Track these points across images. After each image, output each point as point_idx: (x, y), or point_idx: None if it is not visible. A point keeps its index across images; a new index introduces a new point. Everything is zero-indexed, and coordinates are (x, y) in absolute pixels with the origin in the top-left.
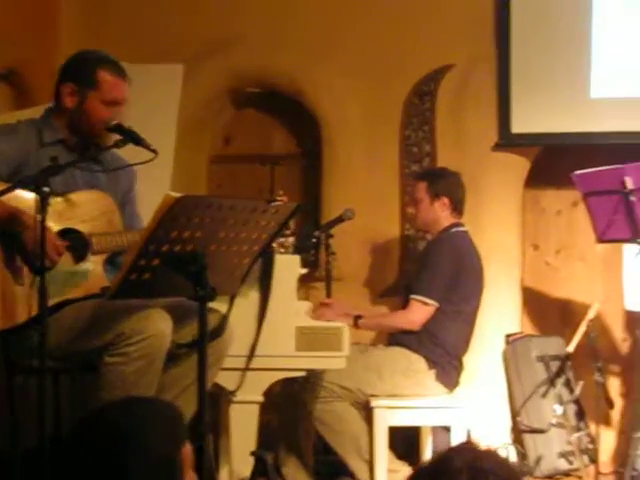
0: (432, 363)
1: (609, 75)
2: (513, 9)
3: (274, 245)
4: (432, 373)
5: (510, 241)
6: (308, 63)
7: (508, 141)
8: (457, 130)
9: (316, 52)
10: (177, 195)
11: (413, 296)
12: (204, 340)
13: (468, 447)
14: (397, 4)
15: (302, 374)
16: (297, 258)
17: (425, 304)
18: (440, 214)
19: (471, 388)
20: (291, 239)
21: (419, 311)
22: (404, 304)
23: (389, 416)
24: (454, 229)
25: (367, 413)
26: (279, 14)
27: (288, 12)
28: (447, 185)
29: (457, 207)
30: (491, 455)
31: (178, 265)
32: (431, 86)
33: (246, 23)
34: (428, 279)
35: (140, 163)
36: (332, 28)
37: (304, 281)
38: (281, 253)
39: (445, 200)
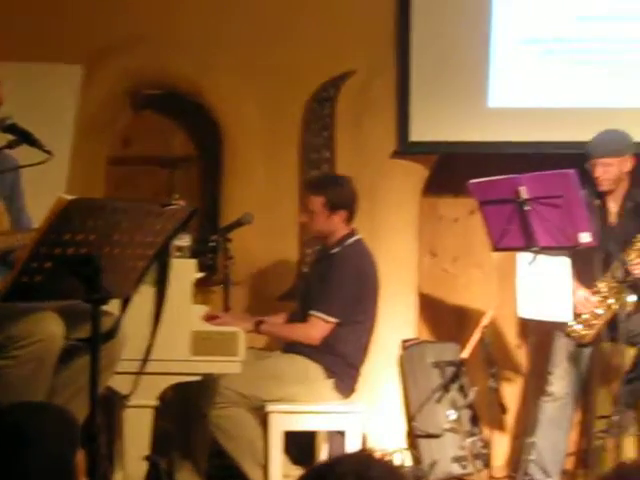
0: (330, 372)
1: (507, 85)
2: (413, 18)
3: (170, 248)
4: (330, 382)
5: (407, 248)
6: (208, 66)
7: (406, 149)
8: (356, 137)
9: (216, 55)
10: (70, 197)
11: (314, 313)
12: (97, 343)
13: (358, 454)
14: (300, 10)
15: (197, 379)
16: (193, 262)
17: (325, 321)
18: (337, 227)
19: (367, 393)
20: (188, 242)
21: (319, 327)
22: (299, 313)
23: (284, 421)
24: (351, 239)
25: (263, 418)
26: (179, 16)
27: (188, 14)
28: (345, 198)
29: (352, 215)
30: (380, 463)
31: (71, 268)
32: (331, 92)
33: (146, 24)
34: (330, 296)
35: (34, 164)
36: (233, 32)
37: (202, 285)
38: (177, 257)
39: (342, 213)
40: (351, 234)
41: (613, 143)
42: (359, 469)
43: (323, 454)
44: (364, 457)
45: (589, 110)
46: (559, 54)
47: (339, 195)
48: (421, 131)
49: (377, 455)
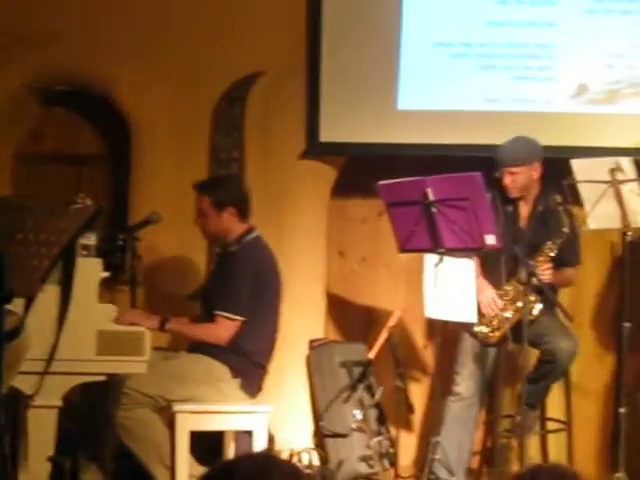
0: (236, 372)
1: (416, 87)
2: (324, 18)
3: (76, 247)
4: (236, 382)
5: (316, 248)
6: (118, 64)
7: (315, 150)
8: (266, 137)
9: (127, 53)
10: None
11: (219, 312)
12: (0, 342)
13: (260, 455)
14: (210, 9)
15: (103, 379)
16: (99, 261)
17: (231, 320)
18: (229, 224)
19: (275, 393)
20: (94, 241)
21: (225, 327)
22: (203, 313)
23: (190, 421)
24: (248, 236)
25: (169, 418)
26: (91, 13)
27: (100, 11)
28: (231, 194)
29: (244, 212)
30: (282, 464)
31: None
32: (241, 92)
33: (57, 21)
34: (232, 294)
35: None
36: (144, 30)
37: (109, 284)
38: (83, 256)
39: (231, 209)
40: (249, 231)
41: (520, 152)
42: (260, 470)
43: (230, 454)
44: (266, 457)
45: (496, 113)
46: (467, 58)
47: (224, 192)
48: (330, 132)
49: (279, 455)
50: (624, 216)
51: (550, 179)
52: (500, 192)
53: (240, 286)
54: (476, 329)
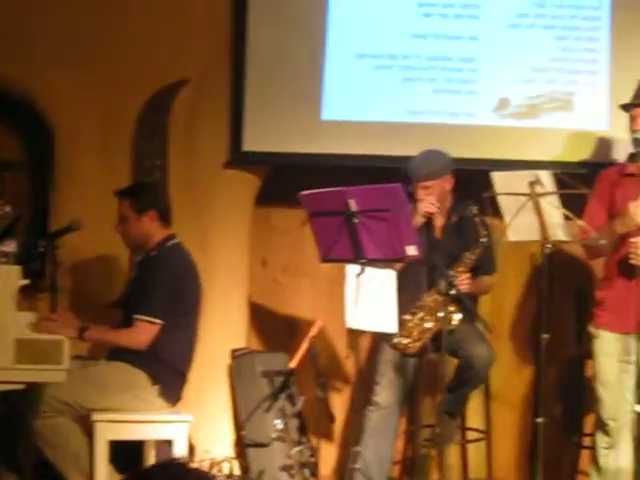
0: (155, 379)
1: (341, 98)
2: (249, 27)
3: None
4: (155, 389)
5: (238, 257)
6: (41, 69)
7: (239, 159)
8: (190, 145)
9: (50, 58)
10: None
11: (138, 316)
12: None
13: (172, 463)
14: (136, 15)
15: (21, 387)
16: (18, 268)
17: (150, 323)
18: (150, 228)
19: (196, 402)
20: (13, 249)
21: (145, 331)
22: (123, 319)
23: (109, 430)
24: (169, 243)
25: (88, 427)
26: (15, 16)
27: (24, 14)
28: (151, 198)
29: (165, 218)
30: (194, 473)
31: None
32: (166, 100)
33: None
34: (151, 298)
35: None
36: (68, 34)
37: (29, 292)
38: (2, 263)
39: (152, 213)
40: (170, 238)
41: (431, 166)
42: (173, 478)
43: (150, 463)
44: (178, 466)
45: (419, 125)
46: (392, 70)
47: (145, 197)
48: (254, 141)
49: (192, 464)
50: (543, 228)
51: (471, 191)
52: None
53: (159, 290)
54: (396, 340)
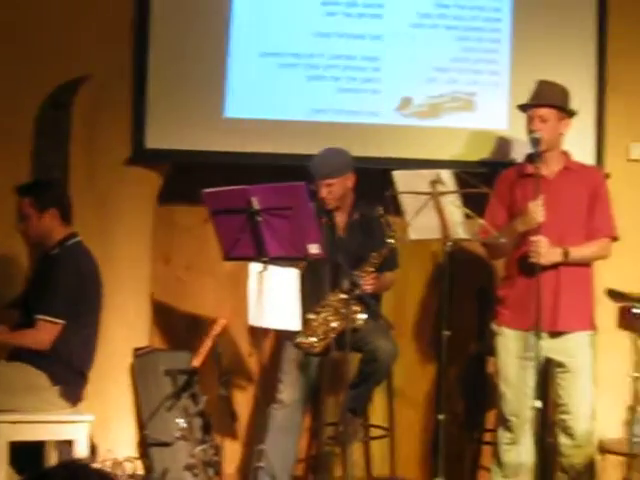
0: (56, 380)
1: (244, 96)
2: (152, 23)
3: None
4: (56, 389)
5: (141, 255)
6: None
7: (141, 156)
8: (91, 142)
9: None
10: None
11: (39, 316)
12: None
13: (72, 464)
14: (36, 10)
15: None
16: None
17: (52, 323)
18: (51, 226)
19: (98, 401)
20: None
21: (47, 330)
22: (23, 320)
23: (9, 431)
24: (70, 241)
25: None
26: None
27: None
28: (53, 196)
29: (66, 216)
30: (94, 473)
31: None
32: (67, 96)
33: None
34: (52, 298)
35: None
36: None
37: None
38: None
39: (53, 211)
40: (71, 236)
41: (332, 164)
42: (73, 479)
43: (52, 464)
44: (79, 466)
45: (323, 124)
46: (296, 68)
47: (46, 194)
48: (157, 139)
49: (94, 464)
50: (444, 227)
51: (373, 190)
52: (318, 202)
53: (60, 290)
54: (300, 339)
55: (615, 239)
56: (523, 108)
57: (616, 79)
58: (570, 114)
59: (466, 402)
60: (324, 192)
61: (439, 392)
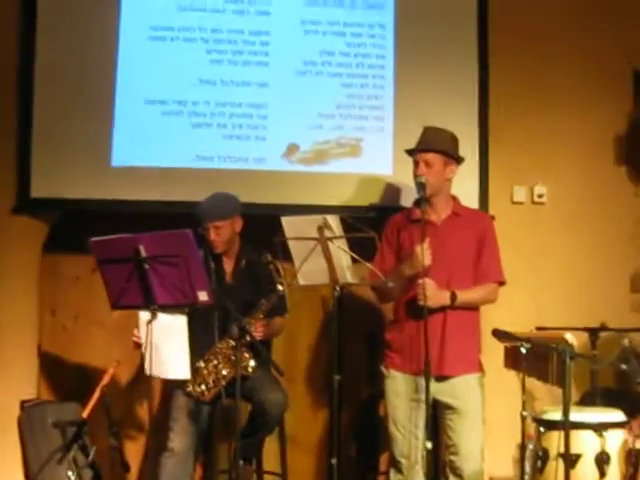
0: None
1: (130, 144)
2: (38, 70)
3: None
4: None
5: (27, 307)
6: None
7: (27, 205)
8: None
9: None
10: None
11: None
12: None
13: None
14: None
15: None
16: None
17: None
18: None
19: None
20: None
21: None
22: None
23: None
24: None
25: None
26: None
27: None
28: None
29: None
30: None
31: None
32: None
33: None
34: None
35: None
36: None
37: None
38: None
39: None
40: None
41: (221, 207)
42: None
43: None
44: None
45: (210, 171)
46: (181, 116)
47: None
48: (42, 187)
49: None
50: (332, 271)
51: (260, 236)
52: (206, 249)
53: None
54: (190, 388)
55: (502, 283)
56: (410, 153)
57: (498, 134)
58: (457, 160)
59: (359, 445)
60: (212, 235)
61: (332, 436)
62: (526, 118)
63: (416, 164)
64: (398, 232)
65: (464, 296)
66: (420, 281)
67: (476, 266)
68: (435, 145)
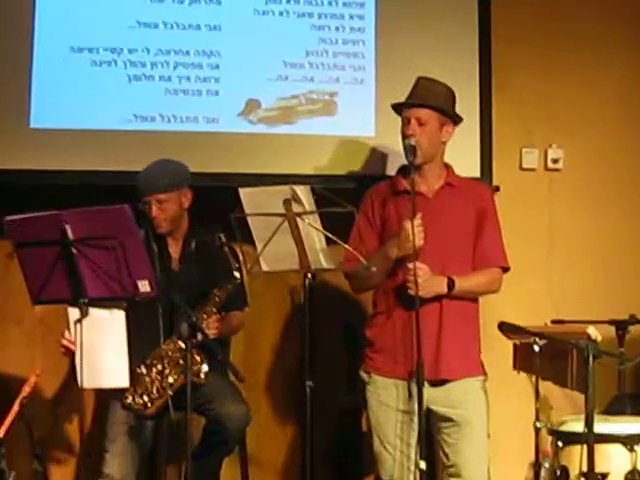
0: None
1: (52, 101)
2: None
3: None
4: None
5: None
6: None
7: None
8: None
9: None
10: None
11: None
12: None
13: None
14: None
15: None
16: None
17: None
18: None
19: None
20: None
21: None
22: None
23: None
24: None
25: None
26: None
27: None
28: None
29: None
30: None
31: None
32: None
33: None
34: None
35: None
36: None
37: None
38: None
39: None
40: None
41: (165, 176)
42: None
43: None
44: None
45: (150, 134)
46: (114, 67)
47: None
48: None
49: None
50: (302, 255)
51: (214, 212)
52: (148, 228)
53: None
54: (129, 400)
55: (506, 270)
56: (398, 108)
57: (504, 86)
58: (454, 120)
59: (336, 467)
60: (155, 210)
61: (303, 456)
62: (538, 67)
63: (406, 122)
64: (381, 206)
65: (463, 283)
66: (410, 265)
67: (476, 248)
68: (430, 100)
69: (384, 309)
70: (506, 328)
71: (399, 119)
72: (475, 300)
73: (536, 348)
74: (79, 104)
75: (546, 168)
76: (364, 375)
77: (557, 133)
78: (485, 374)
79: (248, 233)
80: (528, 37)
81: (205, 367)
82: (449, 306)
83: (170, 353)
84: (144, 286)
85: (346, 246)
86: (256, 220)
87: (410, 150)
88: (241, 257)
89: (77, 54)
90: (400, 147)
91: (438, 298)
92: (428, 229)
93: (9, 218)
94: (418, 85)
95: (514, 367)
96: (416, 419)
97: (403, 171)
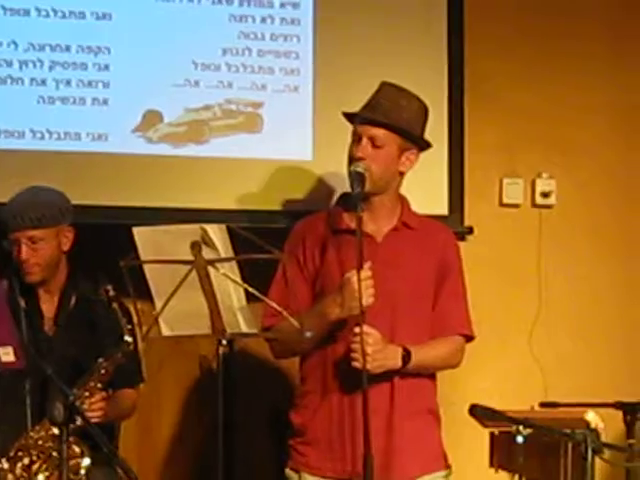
0: None
1: None
2: None
3: None
4: None
5: None
6: None
7: None
8: None
9: None
10: None
11: None
12: None
13: None
14: None
15: None
16: None
17: None
18: None
19: None
20: None
21: None
22: None
23: None
24: None
25: None
26: None
27: None
28: None
29: None
30: None
31: None
32: None
33: None
34: None
35: None
36: None
37: None
38: None
39: None
40: None
41: (43, 207)
42: None
43: None
44: None
45: (11, 153)
46: None
47: None
48: None
49: None
50: (215, 315)
51: (100, 257)
52: (14, 277)
53: None
54: None
55: (470, 339)
56: (350, 118)
57: (480, 100)
58: (421, 145)
59: None
60: (26, 251)
61: None
62: (522, 76)
63: (356, 139)
64: (315, 247)
65: (422, 355)
66: (357, 330)
67: (434, 310)
68: (393, 117)
69: (318, 387)
70: (480, 413)
71: (342, 138)
72: (433, 376)
73: (519, 439)
74: None
75: (534, 204)
76: (290, 473)
77: (547, 160)
78: (448, 467)
79: (145, 286)
80: (510, 37)
81: (86, 461)
82: (402, 384)
83: (40, 442)
84: (7, 355)
85: (273, 304)
86: (155, 269)
87: (356, 177)
88: (135, 317)
89: None
90: (345, 172)
91: (389, 374)
92: (375, 282)
93: None
94: (381, 93)
95: (491, 464)
96: None
97: (344, 203)
